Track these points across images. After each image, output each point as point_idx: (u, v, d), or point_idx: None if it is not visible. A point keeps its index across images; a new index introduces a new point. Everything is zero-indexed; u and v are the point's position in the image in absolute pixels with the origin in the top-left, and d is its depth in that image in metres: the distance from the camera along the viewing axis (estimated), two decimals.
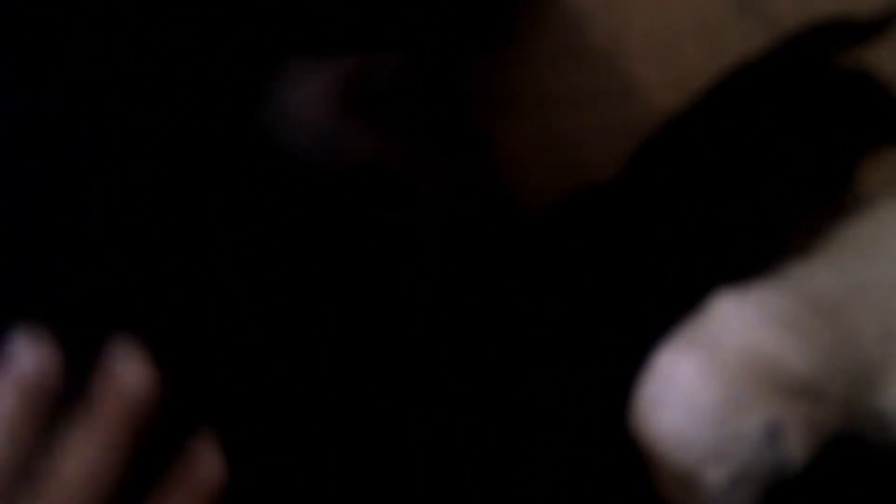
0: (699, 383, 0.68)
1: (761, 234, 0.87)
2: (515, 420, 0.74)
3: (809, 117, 0.87)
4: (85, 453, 0.55)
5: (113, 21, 0.71)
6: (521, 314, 0.76)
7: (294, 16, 0.76)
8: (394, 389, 0.71)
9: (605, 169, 0.93)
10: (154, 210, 0.68)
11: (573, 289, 0.79)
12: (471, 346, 0.73)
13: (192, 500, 0.57)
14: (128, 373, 0.57)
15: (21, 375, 0.54)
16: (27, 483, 0.53)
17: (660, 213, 0.85)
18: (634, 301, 0.80)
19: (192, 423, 0.60)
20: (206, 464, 0.58)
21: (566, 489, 0.73)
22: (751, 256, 0.85)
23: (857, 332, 0.71)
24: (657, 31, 0.98)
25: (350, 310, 0.71)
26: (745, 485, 0.69)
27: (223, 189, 0.68)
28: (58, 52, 0.70)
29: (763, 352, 0.68)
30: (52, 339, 0.56)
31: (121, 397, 0.56)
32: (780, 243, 0.86)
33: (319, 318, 0.69)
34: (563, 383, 0.75)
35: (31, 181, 0.68)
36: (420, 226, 0.74)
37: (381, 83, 0.76)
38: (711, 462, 0.68)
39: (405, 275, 0.73)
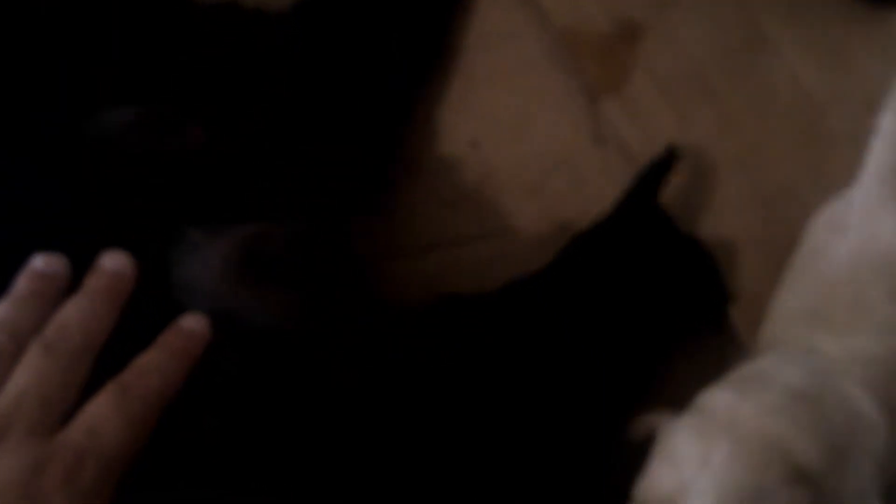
0: (732, 469, 0.71)
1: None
2: None
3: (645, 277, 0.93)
4: (79, 306, 0.69)
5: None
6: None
7: (191, 188, 0.79)
8: None
9: None
10: None
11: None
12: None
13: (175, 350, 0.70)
14: (112, 260, 0.72)
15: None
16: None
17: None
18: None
19: None
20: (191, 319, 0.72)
21: None
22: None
23: (831, 418, 0.75)
24: (522, 170, 1.04)
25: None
26: None
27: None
28: None
29: (778, 438, 0.72)
30: None
31: (105, 275, 0.71)
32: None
33: None
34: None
35: None
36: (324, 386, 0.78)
37: (276, 250, 0.79)
38: None
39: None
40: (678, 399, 0.81)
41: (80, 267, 0.71)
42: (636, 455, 0.78)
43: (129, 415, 0.65)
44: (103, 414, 0.65)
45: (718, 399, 0.76)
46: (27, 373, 0.64)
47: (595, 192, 1.01)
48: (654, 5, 1.07)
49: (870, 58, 1.05)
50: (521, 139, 1.05)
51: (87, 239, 0.74)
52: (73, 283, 0.71)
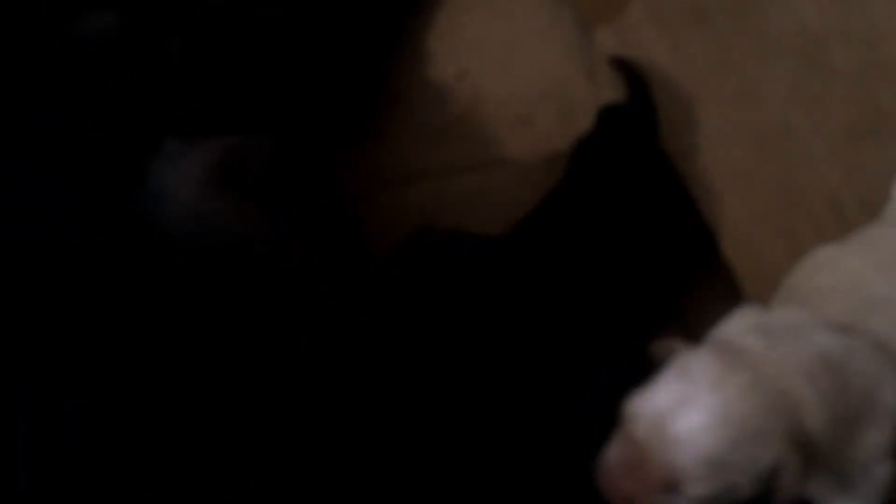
0: (742, 404, 0.70)
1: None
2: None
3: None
4: None
5: None
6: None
7: (171, 99, 0.77)
8: None
9: None
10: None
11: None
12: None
13: None
14: None
15: None
16: None
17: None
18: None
19: None
20: None
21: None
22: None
23: (849, 390, 0.74)
24: (511, 101, 1.02)
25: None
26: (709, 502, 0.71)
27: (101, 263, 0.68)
28: None
29: (794, 397, 0.71)
30: None
31: None
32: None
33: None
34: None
35: None
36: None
37: (254, 163, 0.77)
38: (707, 477, 0.69)
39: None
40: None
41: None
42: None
43: None
44: None
45: (748, 340, 0.74)
46: None
47: (585, 124, 0.98)
48: None
49: None
50: (511, 69, 1.03)
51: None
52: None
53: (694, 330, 0.80)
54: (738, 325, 0.79)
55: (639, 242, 0.90)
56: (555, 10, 1.03)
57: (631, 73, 0.98)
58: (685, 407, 0.70)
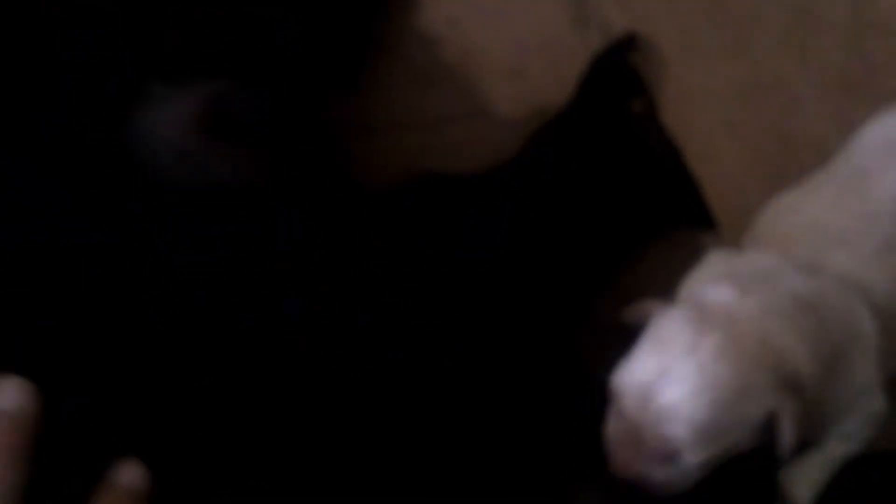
0: (719, 364, 0.69)
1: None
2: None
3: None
4: None
5: None
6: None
7: (159, 42, 0.76)
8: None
9: None
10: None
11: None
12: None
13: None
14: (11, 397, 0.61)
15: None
16: None
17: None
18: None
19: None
20: (130, 471, 0.63)
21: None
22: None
23: (828, 329, 0.73)
24: (501, 51, 1.01)
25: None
26: (713, 464, 0.70)
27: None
28: None
29: (773, 343, 0.70)
30: None
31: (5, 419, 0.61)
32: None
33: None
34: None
35: None
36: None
37: (241, 107, 0.76)
38: (702, 444, 0.69)
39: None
40: (649, 286, 0.79)
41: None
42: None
43: None
44: None
45: (718, 293, 0.73)
46: None
47: (575, 75, 0.97)
48: None
49: None
50: (502, 20, 1.02)
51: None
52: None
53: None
54: (707, 274, 0.78)
55: (621, 193, 0.90)
56: None
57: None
58: (664, 379, 0.69)
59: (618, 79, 0.95)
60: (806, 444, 0.77)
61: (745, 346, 0.70)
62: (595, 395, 0.74)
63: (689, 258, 0.81)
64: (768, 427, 0.70)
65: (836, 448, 0.78)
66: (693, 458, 0.69)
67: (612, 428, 0.72)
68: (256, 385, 0.72)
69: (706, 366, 0.69)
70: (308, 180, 0.79)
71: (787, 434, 0.69)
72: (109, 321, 0.71)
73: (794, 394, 0.70)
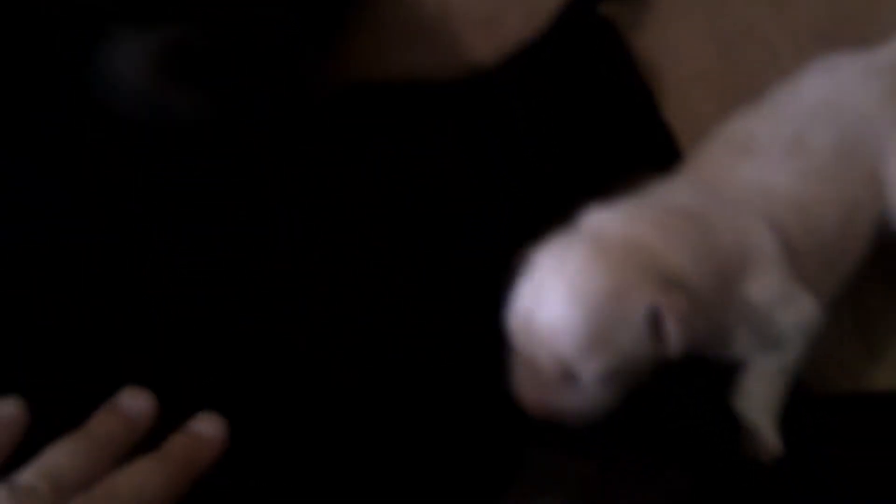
0: (586, 271, 0.69)
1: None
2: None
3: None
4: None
5: None
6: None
7: None
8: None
9: None
10: None
11: None
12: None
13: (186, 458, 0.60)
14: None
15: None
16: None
17: None
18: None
19: None
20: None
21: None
22: None
23: (715, 237, 0.74)
24: (479, 3, 1.03)
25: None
26: (615, 380, 0.71)
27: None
28: None
29: (642, 244, 0.71)
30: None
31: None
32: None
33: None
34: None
35: None
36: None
37: (200, 50, 0.78)
38: (590, 354, 0.69)
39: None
40: None
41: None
42: None
43: None
44: None
45: (592, 215, 0.74)
46: None
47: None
48: None
49: None
50: None
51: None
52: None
53: None
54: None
55: (593, 135, 0.91)
56: None
57: None
58: (539, 300, 0.70)
59: (588, 25, 0.95)
60: (733, 364, 0.78)
61: (610, 250, 0.71)
62: None
63: None
64: (655, 329, 0.69)
65: (770, 361, 0.78)
66: (588, 372, 0.70)
67: (516, 371, 0.73)
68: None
69: (574, 275, 0.69)
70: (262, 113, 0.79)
71: (673, 328, 0.69)
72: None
73: (673, 289, 0.70)
